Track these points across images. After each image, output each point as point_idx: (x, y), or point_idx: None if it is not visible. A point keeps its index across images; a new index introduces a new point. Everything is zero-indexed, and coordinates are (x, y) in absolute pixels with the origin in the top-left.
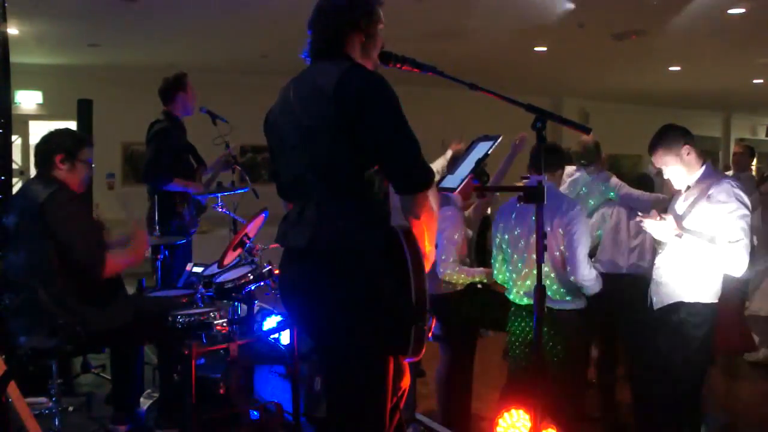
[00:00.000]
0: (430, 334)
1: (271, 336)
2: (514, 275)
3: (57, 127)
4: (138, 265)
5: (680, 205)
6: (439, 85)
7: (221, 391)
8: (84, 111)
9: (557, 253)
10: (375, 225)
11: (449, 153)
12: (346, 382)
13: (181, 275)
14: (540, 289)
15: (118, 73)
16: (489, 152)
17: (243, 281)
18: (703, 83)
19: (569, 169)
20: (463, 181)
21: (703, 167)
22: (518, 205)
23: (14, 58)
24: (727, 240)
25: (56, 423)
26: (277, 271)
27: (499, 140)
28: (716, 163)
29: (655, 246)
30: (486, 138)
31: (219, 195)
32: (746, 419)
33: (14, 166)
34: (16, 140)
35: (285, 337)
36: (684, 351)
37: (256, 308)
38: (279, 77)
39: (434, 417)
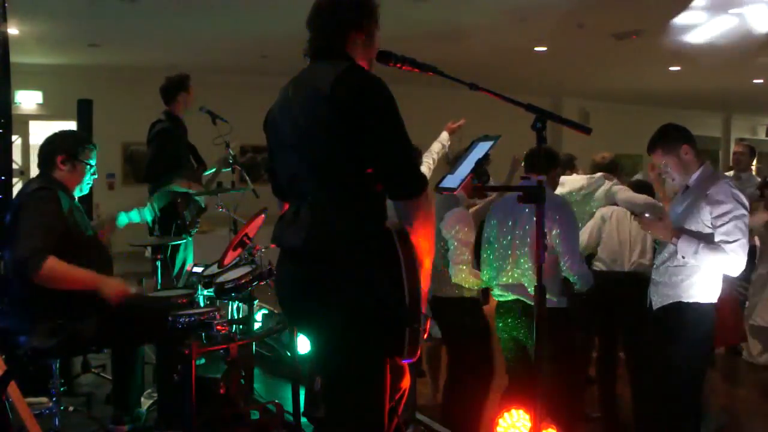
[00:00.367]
0: (425, 335)
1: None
2: (496, 271)
3: (57, 128)
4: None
5: (679, 206)
6: (439, 85)
7: (221, 391)
8: (84, 111)
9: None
10: (370, 227)
11: (444, 135)
12: (343, 382)
13: (181, 275)
14: (540, 289)
15: (118, 73)
16: (489, 152)
17: (243, 281)
18: (703, 83)
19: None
20: (463, 181)
21: (702, 168)
22: (511, 202)
23: (14, 58)
24: (724, 240)
25: (56, 423)
26: None
27: (498, 140)
28: (716, 163)
29: (655, 246)
30: (486, 138)
31: (218, 195)
32: (746, 419)
33: (14, 166)
34: (16, 140)
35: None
36: (683, 351)
37: (256, 308)
38: (279, 77)
39: (434, 417)
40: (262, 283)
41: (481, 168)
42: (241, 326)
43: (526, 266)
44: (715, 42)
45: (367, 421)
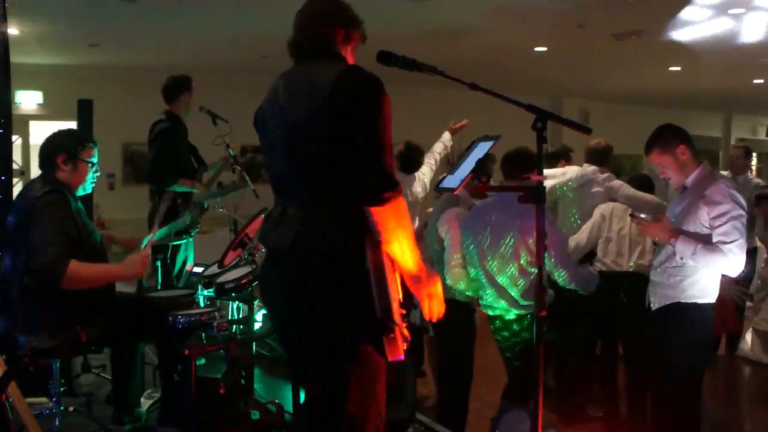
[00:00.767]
0: (404, 343)
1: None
2: (483, 280)
3: (58, 128)
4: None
5: (677, 206)
6: (439, 85)
7: (221, 391)
8: (84, 111)
9: (523, 261)
10: (353, 232)
11: (446, 135)
12: (332, 384)
13: (182, 275)
14: (540, 289)
15: (118, 73)
16: (490, 152)
17: (243, 281)
18: (703, 83)
19: (576, 168)
20: (463, 181)
21: (699, 168)
22: (477, 204)
23: (14, 58)
24: (722, 241)
25: (57, 423)
26: None
27: (498, 140)
28: (716, 163)
29: (654, 246)
30: (486, 138)
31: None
32: (745, 420)
33: (14, 166)
34: (17, 140)
35: None
36: (682, 351)
37: (256, 308)
38: None
39: (434, 417)
40: None
41: (482, 168)
42: (241, 326)
43: (513, 274)
44: (715, 42)
45: (367, 418)
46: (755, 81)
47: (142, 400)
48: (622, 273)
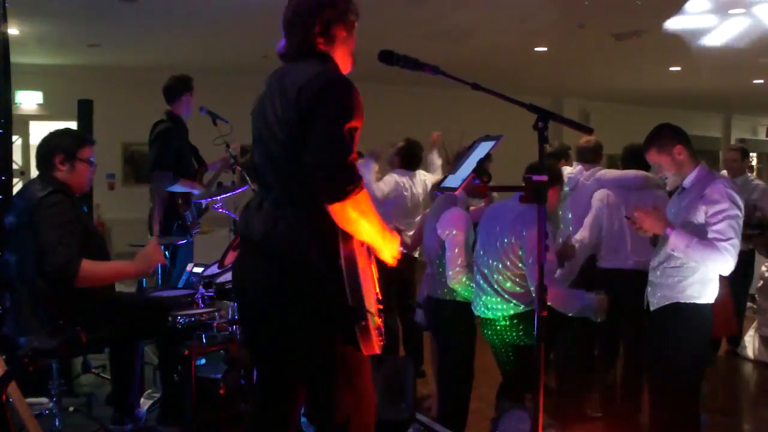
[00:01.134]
0: (380, 338)
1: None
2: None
3: (57, 128)
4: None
5: (675, 207)
6: (439, 85)
7: (221, 391)
8: (84, 111)
9: (521, 263)
10: (325, 228)
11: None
12: (311, 376)
13: (182, 276)
14: (540, 289)
15: (118, 73)
16: (491, 152)
17: None
18: (703, 83)
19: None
20: (464, 181)
21: (697, 168)
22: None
23: (14, 59)
24: (717, 238)
25: (57, 423)
26: None
27: (500, 140)
28: (716, 164)
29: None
30: (487, 138)
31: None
32: (746, 421)
33: (14, 167)
34: (17, 140)
35: None
36: (680, 352)
37: None
38: None
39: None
40: None
41: (482, 168)
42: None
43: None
44: (715, 42)
45: (343, 409)
46: (755, 81)
47: (142, 400)
48: (623, 271)
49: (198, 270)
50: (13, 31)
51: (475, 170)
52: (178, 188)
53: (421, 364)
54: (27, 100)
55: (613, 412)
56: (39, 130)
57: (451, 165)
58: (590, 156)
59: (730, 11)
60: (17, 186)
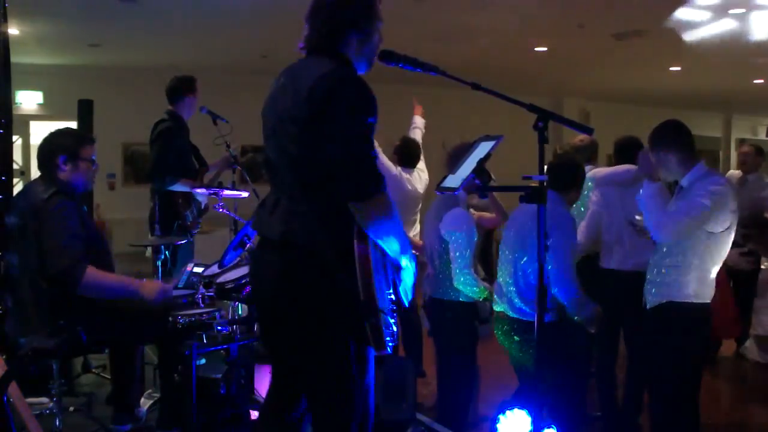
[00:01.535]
0: (390, 336)
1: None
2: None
3: (57, 128)
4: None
5: (673, 206)
6: (439, 85)
7: (222, 391)
8: (84, 111)
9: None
10: (340, 225)
11: (418, 120)
12: (315, 372)
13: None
14: (541, 289)
15: (119, 73)
16: (491, 152)
17: (243, 281)
18: (703, 83)
19: None
20: (464, 181)
21: (696, 167)
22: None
23: (15, 58)
24: (668, 208)
25: (57, 423)
26: None
27: (501, 140)
28: (716, 163)
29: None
30: (487, 138)
31: (220, 195)
32: (747, 422)
33: (15, 167)
34: (17, 140)
35: None
36: (675, 351)
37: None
38: None
39: (434, 417)
40: None
41: (482, 168)
42: (241, 326)
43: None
44: (715, 42)
45: (347, 406)
46: (755, 81)
47: (142, 400)
48: (622, 273)
49: (198, 270)
50: (13, 31)
51: (475, 170)
52: (179, 187)
53: (421, 364)
54: (27, 100)
55: (614, 411)
56: (39, 130)
57: (447, 163)
58: (587, 155)
59: (730, 11)
60: (17, 186)
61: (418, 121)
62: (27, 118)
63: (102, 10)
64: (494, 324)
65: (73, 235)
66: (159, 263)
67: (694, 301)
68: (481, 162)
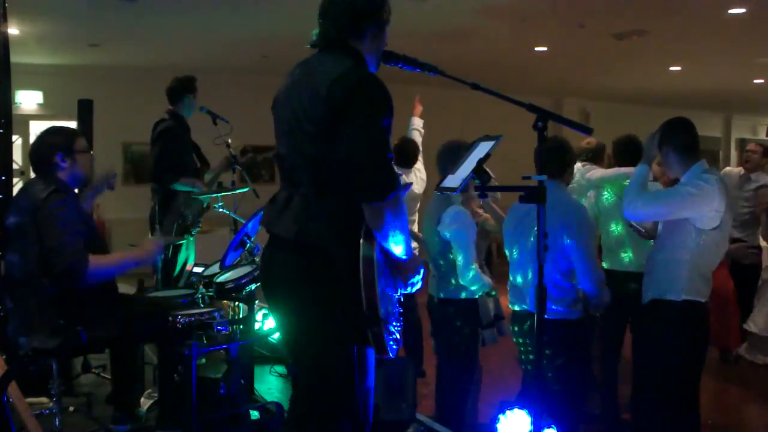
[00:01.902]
0: (394, 341)
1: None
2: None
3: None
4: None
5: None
6: (439, 85)
7: (222, 391)
8: (84, 111)
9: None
10: (349, 227)
11: (416, 121)
12: (314, 369)
13: (182, 275)
14: (541, 289)
15: (118, 73)
16: (490, 152)
17: (243, 281)
18: (703, 83)
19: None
20: (464, 181)
21: (696, 165)
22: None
23: (14, 58)
24: (651, 188)
25: (57, 423)
26: None
27: (500, 140)
28: (716, 163)
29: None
30: (487, 138)
31: (220, 195)
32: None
33: (15, 166)
34: (17, 140)
35: None
36: (667, 350)
37: (256, 308)
38: (279, 77)
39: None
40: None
41: (482, 168)
42: (241, 326)
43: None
44: (715, 42)
45: (342, 402)
46: (755, 81)
47: (142, 400)
48: (624, 274)
49: (198, 270)
50: (13, 30)
51: (474, 170)
52: (180, 187)
53: (421, 364)
54: (27, 100)
55: (615, 411)
56: (39, 130)
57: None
58: (594, 157)
59: (730, 11)
60: (17, 186)
61: (416, 122)
62: (27, 118)
63: (102, 10)
64: (511, 323)
65: (74, 232)
66: (159, 263)
67: (686, 298)
68: (481, 162)
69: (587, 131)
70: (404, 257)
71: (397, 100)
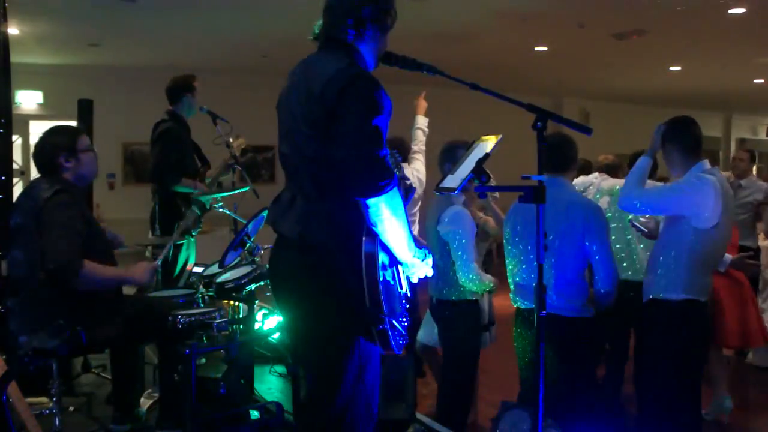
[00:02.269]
0: (400, 338)
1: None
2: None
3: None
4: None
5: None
6: (439, 85)
7: (222, 391)
8: (84, 111)
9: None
10: (350, 225)
11: (420, 119)
12: (320, 368)
13: (182, 275)
14: (540, 289)
15: (118, 73)
16: (490, 152)
17: (243, 281)
18: (703, 83)
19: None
20: (463, 181)
21: (696, 165)
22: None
23: (14, 58)
24: (652, 183)
25: (57, 423)
26: None
27: (500, 140)
28: (716, 163)
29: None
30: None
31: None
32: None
33: (15, 166)
34: (17, 140)
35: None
36: (664, 351)
37: (256, 308)
38: (279, 77)
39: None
40: (263, 284)
41: (481, 168)
42: (241, 326)
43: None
44: (715, 42)
45: (349, 402)
46: (755, 81)
47: (142, 400)
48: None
49: (198, 270)
50: (13, 30)
51: (474, 170)
52: (180, 189)
53: (421, 364)
54: (27, 99)
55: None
56: (39, 130)
57: (439, 161)
58: (609, 170)
59: (730, 11)
60: (17, 186)
61: (420, 120)
62: (27, 118)
63: (102, 10)
64: (515, 322)
65: (72, 232)
66: (159, 263)
67: (684, 297)
68: (480, 162)
69: (587, 131)
70: (407, 251)
71: (397, 101)
